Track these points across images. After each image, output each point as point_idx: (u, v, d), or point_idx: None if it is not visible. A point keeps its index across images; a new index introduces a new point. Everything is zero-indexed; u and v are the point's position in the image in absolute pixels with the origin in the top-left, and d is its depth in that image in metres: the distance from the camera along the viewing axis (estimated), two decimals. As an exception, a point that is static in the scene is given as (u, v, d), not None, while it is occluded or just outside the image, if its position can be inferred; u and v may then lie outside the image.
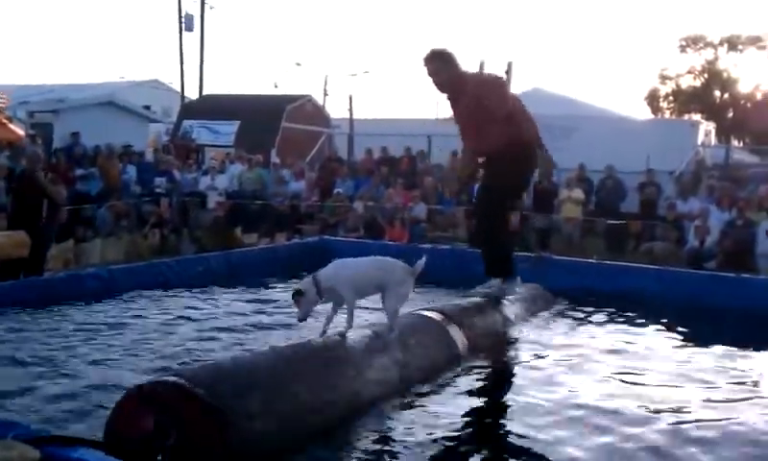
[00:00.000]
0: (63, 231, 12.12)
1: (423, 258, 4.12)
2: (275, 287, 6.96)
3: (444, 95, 5.42)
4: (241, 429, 2.99)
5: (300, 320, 3.98)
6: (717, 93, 44.29)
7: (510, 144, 5.19)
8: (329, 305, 4.07)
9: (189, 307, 6.12)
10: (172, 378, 3.09)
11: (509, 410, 3.87)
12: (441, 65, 5.23)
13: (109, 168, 15.58)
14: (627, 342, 5.26)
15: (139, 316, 5.74)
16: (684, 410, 3.84)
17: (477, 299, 5.28)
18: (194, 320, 5.64)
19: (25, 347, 4.72)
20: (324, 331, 3.98)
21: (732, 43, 43.60)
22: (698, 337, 5.44)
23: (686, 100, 44.75)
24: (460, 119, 5.44)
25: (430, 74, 5.27)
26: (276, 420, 3.19)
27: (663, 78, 46.54)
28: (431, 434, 3.44)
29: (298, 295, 3.91)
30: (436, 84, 5.30)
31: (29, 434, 2.83)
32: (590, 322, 5.88)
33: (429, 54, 5.25)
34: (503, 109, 5.19)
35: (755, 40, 43.07)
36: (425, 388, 4.04)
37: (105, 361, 4.47)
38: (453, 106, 5.45)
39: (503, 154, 5.23)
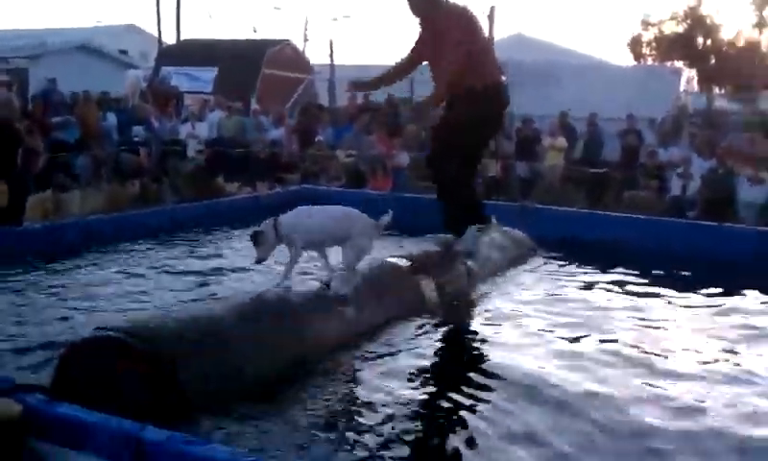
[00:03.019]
0: (42, 181, 11.95)
1: (390, 213, 4.08)
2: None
3: (417, 19, 5.20)
4: (181, 383, 3.03)
5: (258, 262, 4.00)
6: (700, 40, 44.15)
7: (477, 84, 4.99)
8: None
9: (168, 258, 6.08)
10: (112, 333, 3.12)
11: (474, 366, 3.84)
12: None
13: (88, 115, 15.31)
14: (609, 294, 5.29)
15: (115, 268, 5.70)
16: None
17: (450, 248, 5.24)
18: (170, 272, 5.60)
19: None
20: (286, 276, 3.98)
21: (715, -11, 43.39)
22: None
23: (669, 46, 44.60)
24: (426, 47, 5.22)
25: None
26: (219, 373, 3.21)
27: (646, 24, 46.38)
28: (386, 391, 3.42)
29: (257, 237, 3.91)
30: (410, 5, 5.12)
31: (8, 385, 2.78)
32: (572, 272, 5.90)
33: None
34: (466, 42, 4.98)
35: (738, -14, 42.85)
36: (387, 342, 4.02)
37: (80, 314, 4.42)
38: (422, 32, 5.25)
39: (469, 94, 5.00)
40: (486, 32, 6.46)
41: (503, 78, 5.35)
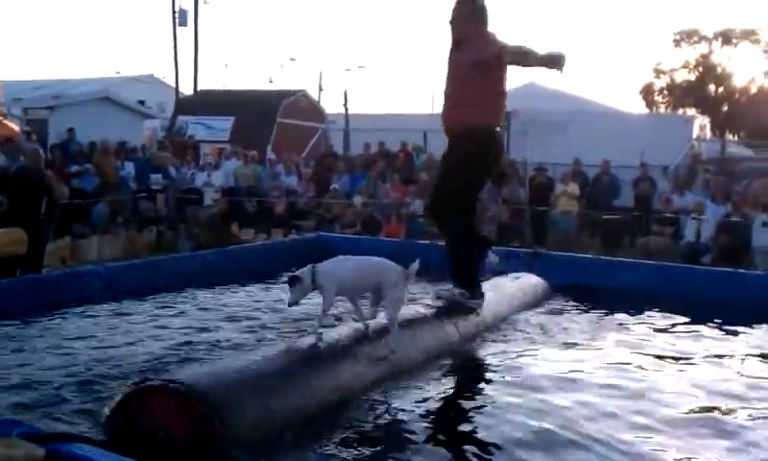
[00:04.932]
0: (60, 228, 12.12)
1: (417, 261, 4.19)
2: (272, 284, 6.96)
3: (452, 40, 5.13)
4: (230, 427, 3.09)
5: (290, 305, 4.12)
6: (712, 87, 44.38)
7: (478, 126, 4.96)
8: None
9: (186, 305, 6.13)
10: (162, 383, 3.22)
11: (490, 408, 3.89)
12: (466, 9, 5.03)
13: (105, 164, 15.55)
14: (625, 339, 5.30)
15: (135, 314, 5.75)
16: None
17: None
18: (190, 317, 5.65)
19: (24, 346, 4.73)
20: (321, 323, 4.10)
21: (727, 37, 43.69)
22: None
23: (681, 94, 44.85)
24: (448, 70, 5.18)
25: (453, 10, 5.07)
26: (265, 418, 3.29)
27: (658, 72, 46.65)
28: (415, 426, 3.54)
29: (294, 281, 4.02)
30: (451, 22, 5.09)
31: (33, 432, 2.85)
32: (588, 316, 5.91)
33: None
34: (474, 63, 4.92)
35: (748, 34, 43.17)
36: (416, 382, 4.12)
37: (103, 360, 4.47)
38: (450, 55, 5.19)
39: (468, 137, 4.97)
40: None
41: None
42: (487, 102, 5.03)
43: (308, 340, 3.98)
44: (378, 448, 3.30)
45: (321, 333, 4.01)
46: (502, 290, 5.84)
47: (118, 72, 37.64)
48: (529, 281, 6.36)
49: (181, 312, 5.81)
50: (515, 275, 6.31)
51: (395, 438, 3.42)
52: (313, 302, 4.34)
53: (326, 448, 3.27)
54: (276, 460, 3.16)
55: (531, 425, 3.51)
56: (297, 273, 4.06)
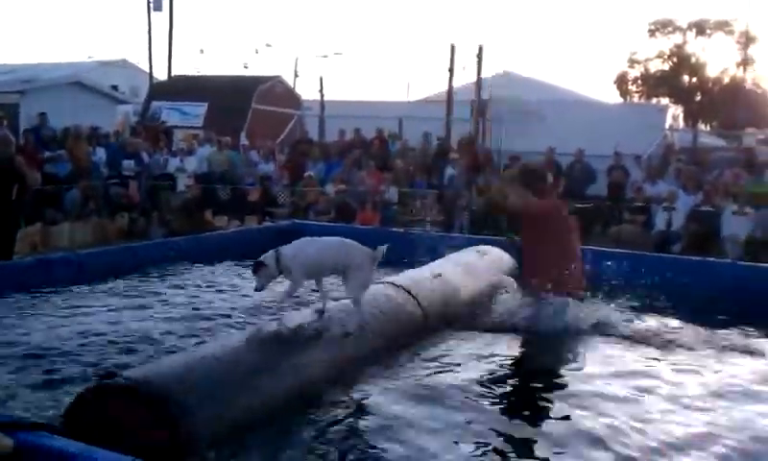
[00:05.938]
0: (31, 214, 11.97)
1: (385, 245, 4.18)
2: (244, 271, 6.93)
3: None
4: (190, 424, 3.08)
5: (257, 290, 4.14)
6: (686, 77, 44.70)
7: None
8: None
9: (159, 292, 6.10)
10: (122, 381, 3.20)
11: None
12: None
13: (77, 150, 15.36)
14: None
15: (101, 303, 5.71)
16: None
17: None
18: (159, 305, 5.62)
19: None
20: (283, 302, 4.09)
21: (701, 28, 43.98)
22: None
23: (655, 84, 45.10)
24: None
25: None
26: (227, 413, 3.27)
27: (632, 62, 46.85)
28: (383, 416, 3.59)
29: (259, 266, 3.99)
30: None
31: (2, 421, 2.82)
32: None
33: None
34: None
35: (722, 25, 43.47)
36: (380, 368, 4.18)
37: (74, 350, 4.44)
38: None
39: None
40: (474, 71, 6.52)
41: None
42: None
43: (271, 326, 3.96)
44: (346, 439, 3.30)
45: (282, 318, 4.01)
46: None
47: (90, 57, 37.07)
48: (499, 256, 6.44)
49: (153, 299, 5.78)
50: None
51: (363, 428, 3.42)
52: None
53: (292, 438, 3.28)
54: (240, 453, 3.15)
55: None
56: (261, 258, 4.04)
